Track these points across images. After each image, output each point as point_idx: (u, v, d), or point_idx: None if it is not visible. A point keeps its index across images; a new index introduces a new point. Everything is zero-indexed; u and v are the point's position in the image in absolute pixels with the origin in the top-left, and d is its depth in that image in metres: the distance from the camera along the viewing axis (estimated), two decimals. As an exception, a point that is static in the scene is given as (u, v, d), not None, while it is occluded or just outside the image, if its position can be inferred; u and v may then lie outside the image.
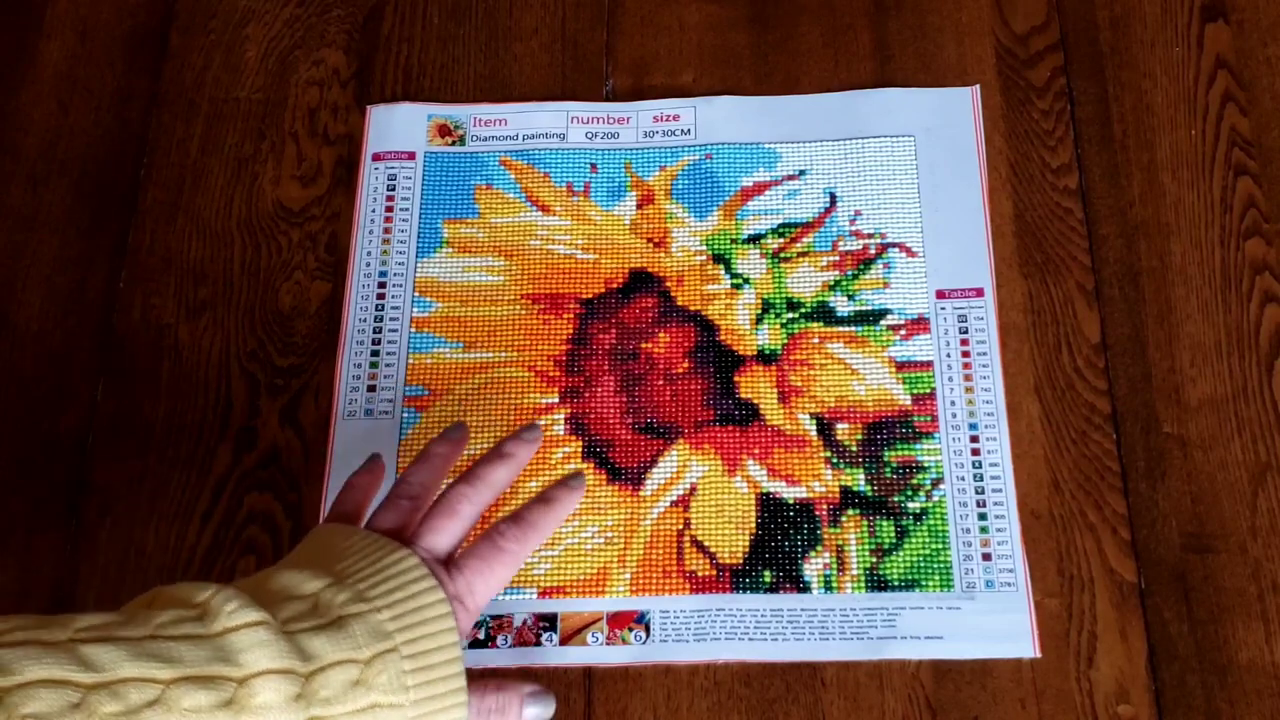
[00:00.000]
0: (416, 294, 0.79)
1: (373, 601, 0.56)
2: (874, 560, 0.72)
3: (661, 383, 0.76)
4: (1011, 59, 0.84)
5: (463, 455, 0.70)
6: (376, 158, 0.83)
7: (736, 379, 0.76)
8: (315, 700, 0.52)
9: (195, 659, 0.50)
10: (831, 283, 0.78)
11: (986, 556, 0.71)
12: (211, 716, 0.49)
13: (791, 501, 0.73)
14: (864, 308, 0.77)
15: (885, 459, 0.74)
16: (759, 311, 0.78)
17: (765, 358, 0.77)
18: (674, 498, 0.74)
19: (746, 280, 0.79)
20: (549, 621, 0.71)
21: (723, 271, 0.79)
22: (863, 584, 0.71)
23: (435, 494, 0.66)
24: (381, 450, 0.74)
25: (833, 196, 0.80)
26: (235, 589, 0.54)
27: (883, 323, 0.77)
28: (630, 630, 0.71)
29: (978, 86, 0.82)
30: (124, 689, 0.48)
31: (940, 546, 0.72)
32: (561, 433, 0.75)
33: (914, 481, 0.73)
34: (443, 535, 0.62)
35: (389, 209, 0.81)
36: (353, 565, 0.58)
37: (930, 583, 0.71)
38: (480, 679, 0.62)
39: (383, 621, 0.56)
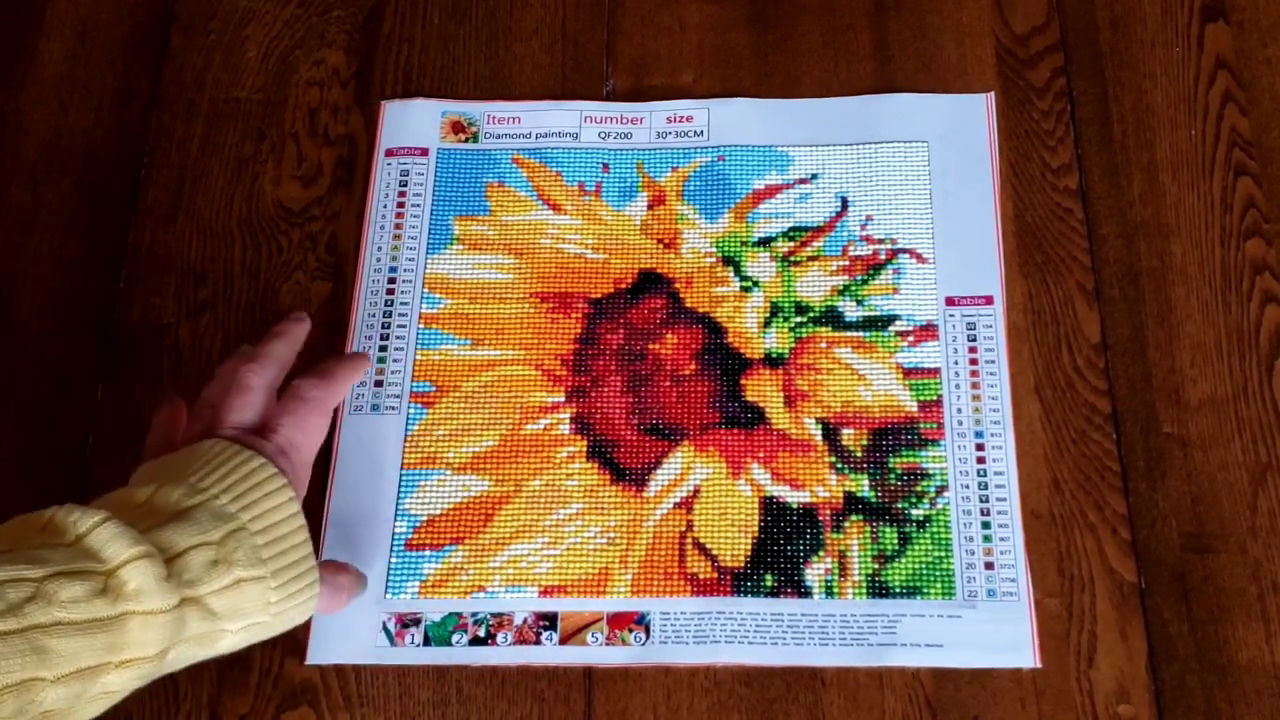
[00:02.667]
0: (426, 290, 0.79)
1: (207, 490, 0.58)
2: (876, 567, 0.72)
3: (668, 384, 0.76)
4: (1011, 59, 0.84)
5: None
6: (390, 153, 0.83)
7: (743, 382, 0.76)
8: (182, 582, 0.54)
9: (60, 559, 0.52)
10: (841, 287, 0.78)
11: (989, 565, 0.71)
12: (90, 605, 0.51)
13: (795, 506, 0.73)
14: (873, 313, 0.77)
15: (890, 465, 0.74)
16: (767, 315, 0.78)
17: (772, 361, 0.77)
18: (677, 499, 0.74)
19: (756, 283, 0.79)
20: (549, 621, 0.72)
21: (732, 274, 0.79)
22: (864, 590, 0.71)
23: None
24: (387, 445, 0.75)
25: (844, 201, 0.80)
26: (72, 505, 0.55)
27: (891, 329, 0.77)
28: (630, 631, 0.71)
29: (992, 94, 0.82)
30: (2, 589, 0.49)
31: (943, 554, 0.72)
32: (567, 432, 0.75)
33: (918, 488, 0.73)
34: (243, 410, 0.64)
35: (400, 204, 0.81)
36: (176, 468, 0.60)
37: (932, 590, 0.71)
38: (329, 562, 0.68)
39: (223, 505, 0.58)
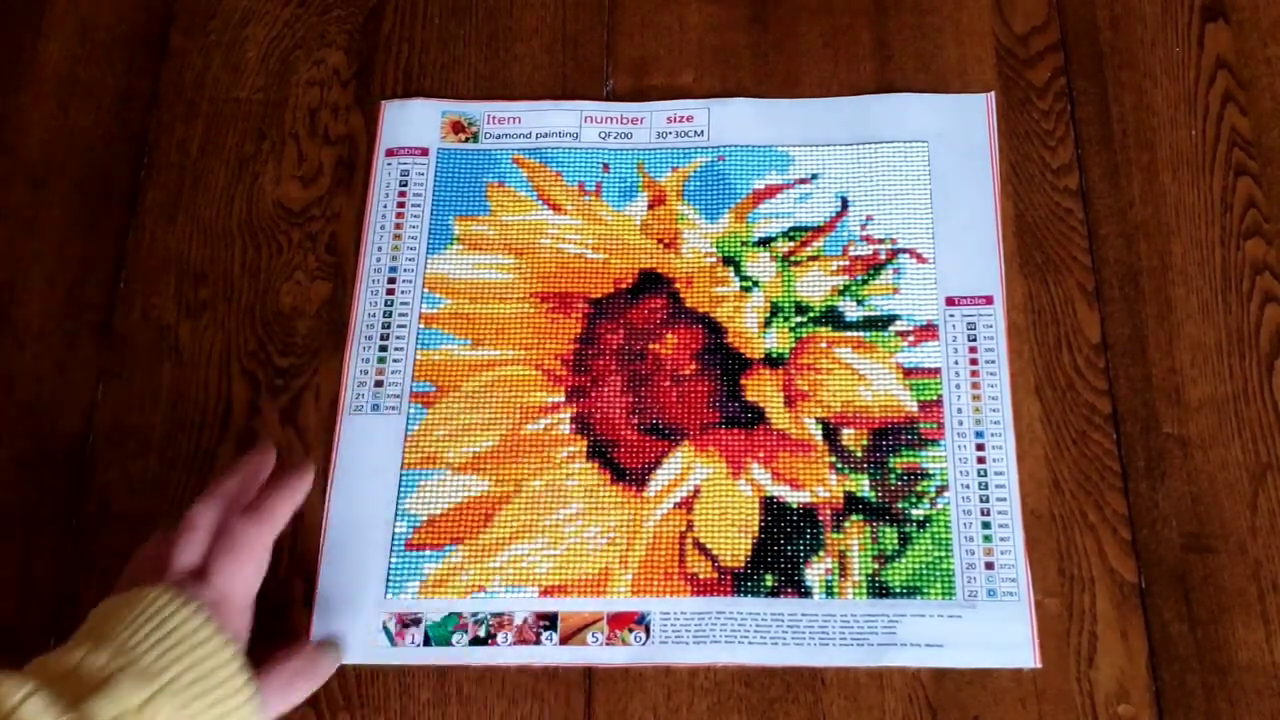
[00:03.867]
0: (426, 290, 0.79)
1: (134, 650, 0.58)
2: (876, 567, 0.72)
3: (668, 384, 0.76)
4: (1011, 59, 0.84)
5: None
6: (390, 153, 0.83)
7: (743, 382, 0.76)
8: None
9: None
10: (841, 287, 0.78)
11: (989, 565, 0.71)
12: None
13: (795, 506, 0.73)
14: (873, 313, 0.77)
15: (890, 465, 0.74)
16: (767, 315, 0.78)
17: (773, 361, 0.77)
18: (677, 499, 0.74)
19: (756, 283, 0.79)
20: (549, 621, 0.72)
21: (732, 274, 0.79)
22: (864, 590, 0.71)
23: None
24: (387, 445, 0.75)
25: (844, 201, 0.80)
26: (6, 672, 0.56)
27: (891, 328, 0.77)
28: (630, 631, 0.71)
29: (992, 94, 0.82)
30: None
31: (943, 554, 0.72)
32: (567, 432, 0.75)
33: (919, 488, 0.73)
34: (186, 551, 0.64)
35: (400, 204, 0.82)
36: (112, 621, 0.60)
37: (932, 590, 0.71)
38: (266, 665, 0.65)
39: (148, 665, 0.58)
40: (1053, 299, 0.77)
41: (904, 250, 0.79)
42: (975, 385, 0.75)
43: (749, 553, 0.72)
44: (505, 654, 0.71)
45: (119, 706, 0.56)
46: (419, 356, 0.78)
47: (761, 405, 0.75)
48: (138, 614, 0.60)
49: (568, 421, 0.76)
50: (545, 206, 0.81)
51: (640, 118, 0.83)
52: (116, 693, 0.56)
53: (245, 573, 0.64)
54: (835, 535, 0.72)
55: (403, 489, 0.75)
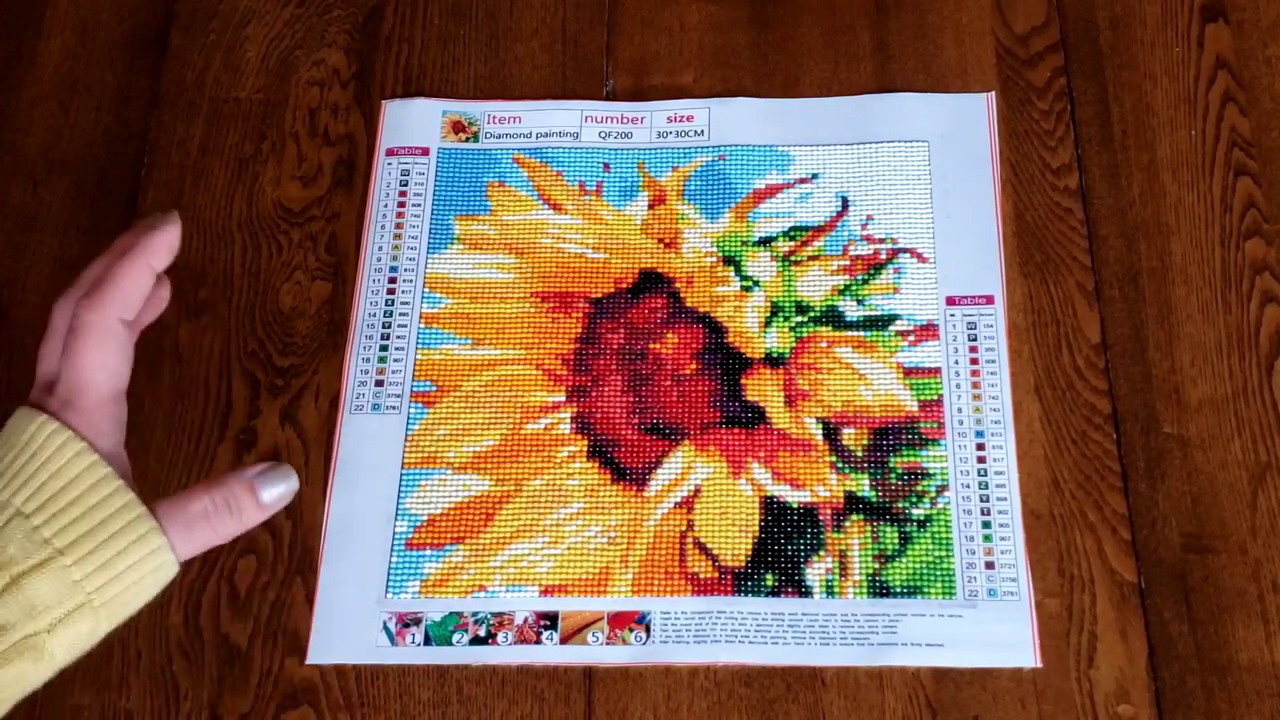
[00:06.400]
0: (426, 290, 0.79)
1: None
2: (876, 566, 0.72)
3: (669, 383, 0.76)
4: (1011, 59, 0.84)
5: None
6: (390, 153, 0.83)
7: (744, 381, 0.76)
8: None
9: None
10: (841, 287, 0.78)
11: (989, 565, 0.71)
12: None
13: (795, 505, 0.73)
14: (873, 313, 0.77)
15: (891, 465, 0.74)
16: (768, 314, 0.78)
17: (773, 361, 0.77)
18: (678, 499, 0.74)
19: (756, 283, 0.79)
20: (550, 620, 0.72)
21: (733, 273, 0.79)
22: (865, 590, 0.71)
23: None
24: (388, 445, 0.75)
25: (845, 200, 0.80)
26: None
27: (892, 328, 0.77)
28: (631, 631, 0.71)
29: (992, 94, 0.82)
30: None
31: (943, 554, 0.72)
32: (567, 431, 0.75)
33: (919, 488, 0.73)
34: (44, 361, 0.54)
35: (401, 204, 0.82)
36: None
37: (932, 590, 0.71)
38: (184, 494, 0.53)
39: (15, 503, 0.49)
40: (1053, 299, 0.77)
41: (904, 250, 0.79)
42: (975, 385, 0.75)
43: (749, 552, 0.72)
44: (505, 654, 0.71)
45: None
46: (419, 356, 0.78)
47: (762, 405, 0.75)
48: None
49: (568, 421, 0.76)
50: (546, 206, 0.81)
51: (640, 117, 0.84)
52: None
53: (95, 359, 0.53)
54: (835, 535, 0.72)
55: (403, 488, 0.75)
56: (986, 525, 0.72)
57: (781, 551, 0.72)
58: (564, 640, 0.71)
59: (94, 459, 0.50)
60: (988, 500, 0.73)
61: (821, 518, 0.73)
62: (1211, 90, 0.82)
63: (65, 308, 0.54)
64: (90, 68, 0.86)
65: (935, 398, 0.75)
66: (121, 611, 0.50)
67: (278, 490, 0.55)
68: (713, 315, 0.78)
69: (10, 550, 0.48)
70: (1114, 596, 0.71)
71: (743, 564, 0.72)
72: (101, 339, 0.53)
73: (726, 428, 0.75)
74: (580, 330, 0.78)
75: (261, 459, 0.75)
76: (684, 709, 0.70)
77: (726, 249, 0.80)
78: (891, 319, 0.77)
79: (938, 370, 0.76)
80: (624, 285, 0.79)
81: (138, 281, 0.55)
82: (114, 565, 0.49)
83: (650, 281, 0.79)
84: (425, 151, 0.83)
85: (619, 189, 0.82)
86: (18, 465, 0.50)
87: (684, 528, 0.73)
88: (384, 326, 0.79)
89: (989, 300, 0.77)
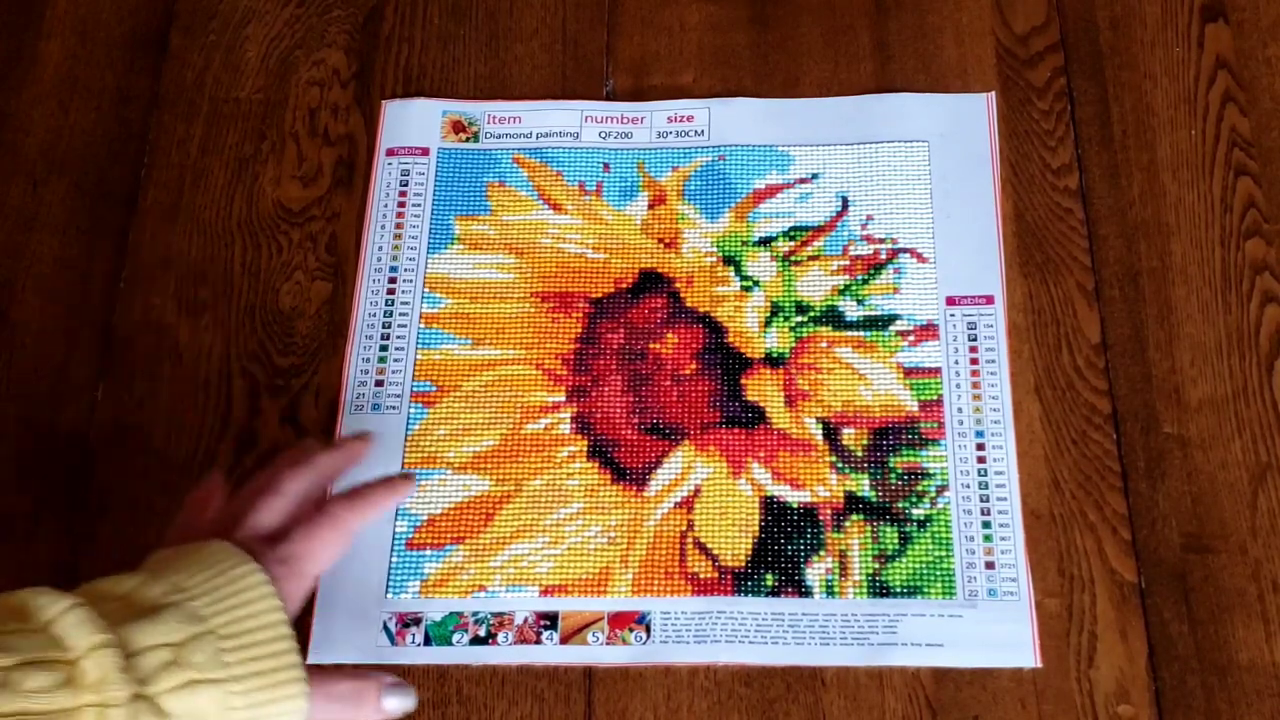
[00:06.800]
0: (426, 290, 0.79)
1: (187, 591, 0.58)
2: (876, 566, 0.72)
3: (668, 383, 0.76)
4: (1011, 59, 0.84)
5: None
6: (390, 153, 0.83)
7: (744, 381, 0.76)
8: (136, 678, 0.54)
9: (27, 646, 0.52)
10: (841, 287, 0.78)
11: (990, 565, 0.71)
12: (53, 696, 0.51)
13: (795, 505, 0.73)
14: (873, 313, 0.77)
15: (891, 465, 0.74)
16: (768, 314, 0.78)
17: (773, 361, 0.77)
18: (678, 499, 0.74)
19: (756, 283, 0.79)
20: (550, 620, 0.72)
21: (733, 273, 0.79)
22: (865, 590, 0.71)
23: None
24: (388, 445, 0.75)
25: (845, 200, 0.80)
26: (48, 589, 0.55)
27: (892, 328, 0.77)
28: (631, 631, 0.71)
29: (993, 94, 0.82)
30: None
31: (944, 554, 0.72)
32: (567, 431, 0.75)
33: (919, 488, 0.73)
34: (266, 513, 0.64)
35: (401, 204, 0.82)
36: (171, 561, 0.60)
37: (932, 590, 0.71)
38: (335, 669, 0.66)
39: (198, 607, 0.57)
40: (1053, 299, 0.77)
41: (904, 250, 0.79)
42: (975, 385, 0.75)
43: (749, 552, 0.72)
44: (505, 654, 0.71)
45: (159, 638, 0.55)
46: (419, 356, 0.78)
47: (762, 405, 0.75)
48: (198, 561, 0.59)
49: (568, 421, 0.76)
50: (546, 206, 0.81)
51: (640, 117, 0.84)
52: (160, 624, 0.56)
53: (326, 550, 0.64)
54: (835, 535, 0.72)
55: (403, 489, 0.75)
56: (986, 525, 0.72)
57: (781, 551, 0.72)
58: (564, 640, 0.71)
59: (283, 621, 0.59)
60: (988, 500, 0.73)
61: (821, 518, 0.73)
62: (1211, 90, 0.82)
63: (299, 480, 0.66)
64: (90, 68, 0.86)
65: (935, 398, 0.75)
66: None
67: (400, 703, 0.65)
68: (713, 315, 0.78)
69: (196, 659, 0.55)
70: (1114, 596, 0.71)
71: (743, 564, 0.72)
72: (344, 538, 0.65)
73: (726, 428, 0.75)
74: (580, 330, 0.78)
75: (261, 459, 0.75)
76: (684, 709, 0.70)
77: (726, 249, 0.80)
78: (891, 319, 0.77)
79: (938, 370, 0.76)
80: (624, 285, 0.79)
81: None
82: (260, 709, 0.57)
83: (650, 281, 0.79)
84: (425, 151, 0.83)
85: (619, 189, 0.82)
86: (222, 593, 0.58)
87: (684, 528, 0.73)
88: (384, 326, 0.79)
89: (989, 300, 0.77)
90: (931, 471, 0.73)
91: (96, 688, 0.52)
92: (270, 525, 0.64)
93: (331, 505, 0.66)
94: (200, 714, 0.55)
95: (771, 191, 0.81)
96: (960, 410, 0.75)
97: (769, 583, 0.72)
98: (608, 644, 0.71)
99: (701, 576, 0.72)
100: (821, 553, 0.72)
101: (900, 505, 0.73)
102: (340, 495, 0.67)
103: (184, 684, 0.55)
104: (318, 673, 0.61)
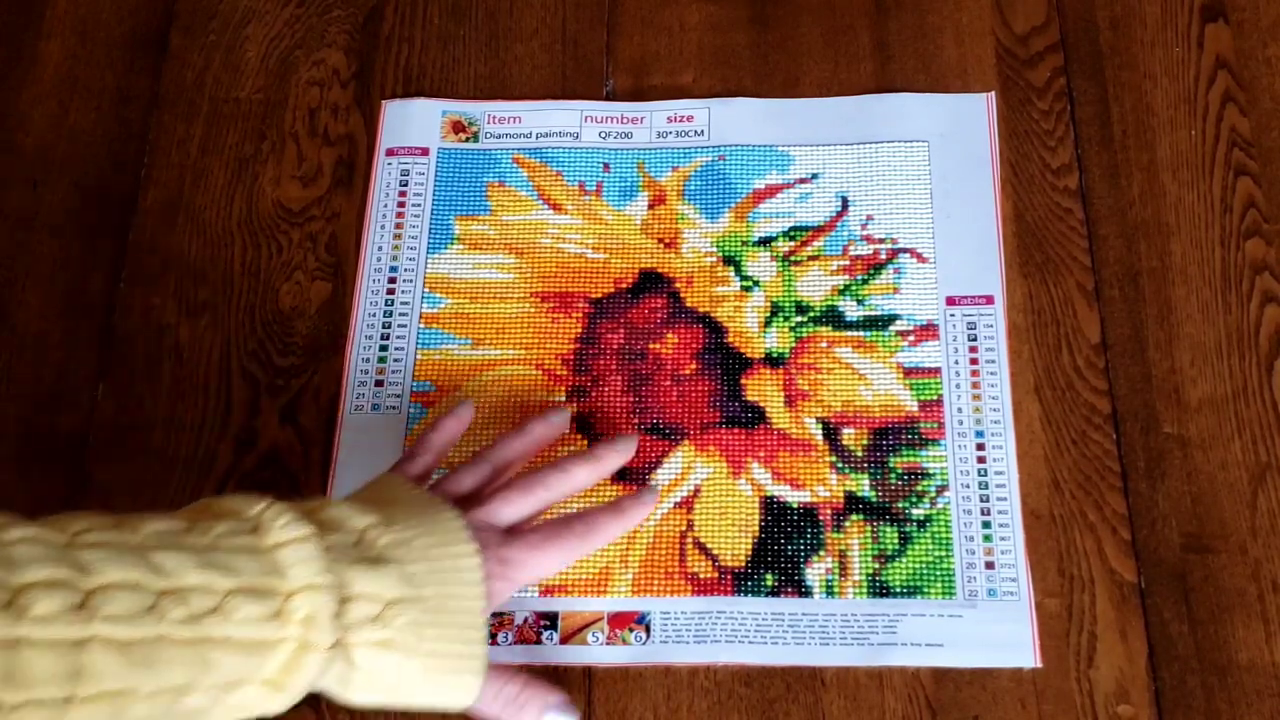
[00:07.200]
0: (426, 290, 0.79)
1: (411, 550, 0.59)
2: (876, 566, 0.72)
3: (668, 383, 0.76)
4: (1011, 59, 0.84)
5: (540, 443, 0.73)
6: (390, 153, 0.83)
7: (744, 381, 0.76)
8: (341, 624, 0.55)
9: (250, 570, 0.53)
10: (841, 287, 0.78)
11: (989, 565, 0.71)
12: (260, 627, 0.53)
13: (795, 505, 0.73)
14: (873, 313, 0.77)
15: (891, 465, 0.74)
16: (768, 314, 0.78)
17: (773, 361, 0.77)
18: (678, 499, 0.74)
19: (756, 283, 0.79)
20: (550, 620, 0.72)
21: (733, 273, 0.79)
22: (865, 590, 0.71)
23: (516, 469, 0.70)
24: (387, 446, 0.75)
25: (844, 200, 0.80)
26: (286, 505, 0.57)
27: (892, 328, 0.77)
28: (631, 631, 0.71)
29: (992, 94, 0.82)
30: (190, 596, 0.52)
31: (943, 554, 0.72)
32: (567, 432, 0.75)
33: (919, 488, 0.73)
34: (510, 507, 0.66)
35: (400, 204, 0.82)
36: (403, 513, 0.61)
37: (932, 590, 0.71)
38: (513, 669, 0.65)
39: (415, 573, 0.58)
40: (1053, 299, 0.77)
41: (904, 250, 0.79)
42: (975, 385, 0.75)
43: (749, 552, 0.72)
44: (505, 654, 0.71)
45: (374, 590, 0.57)
46: (419, 356, 0.78)
47: (762, 405, 0.75)
48: (431, 527, 0.61)
49: (568, 421, 0.76)
50: (546, 206, 0.81)
51: (640, 117, 0.84)
52: (378, 577, 0.57)
53: (543, 561, 0.66)
54: (835, 535, 0.72)
55: (403, 489, 0.75)
56: (986, 525, 0.72)
57: (781, 551, 0.72)
58: (564, 640, 0.71)
59: (482, 612, 0.60)
60: (988, 500, 0.73)
61: (821, 518, 0.73)
62: (1211, 90, 0.82)
63: (559, 485, 0.68)
64: (90, 68, 0.86)
65: (935, 398, 0.75)
66: (393, 706, 0.60)
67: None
68: (713, 315, 0.78)
69: (398, 622, 0.57)
70: (1114, 596, 0.70)
71: (743, 564, 0.72)
72: (565, 551, 0.67)
73: (726, 428, 0.75)
74: (580, 330, 0.78)
75: (261, 459, 0.75)
76: (684, 709, 0.70)
77: (726, 249, 0.80)
78: (891, 319, 0.77)
79: (938, 370, 0.76)
80: (624, 285, 0.79)
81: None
82: (436, 686, 0.59)
83: (650, 281, 0.79)
84: (425, 151, 0.83)
85: (619, 189, 0.82)
86: (439, 567, 0.60)
87: (684, 528, 0.73)
88: (384, 326, 0.79)
89: (989, 300, 0.77)
90: (931, 471, 0.73)
91: (304, 625, 0.54)
92: (508, 520, 0.66)
93: (569, 526, 0.67)
94: (380, 674, 0.57)
95: (771, 191, 0.81)
96: (960, 410, 0.75)
97: (769, 583, 0.72)
98: (607, 644, 0.71)
99: (701, 576, 0.72)
100: (821, 553, 0.72)
101: (900, 505, 0.73)
102: (579, 518, 0.68)
103: (380, 642, 0.57)
104: (495, 669, 0.62)
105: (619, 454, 0.72)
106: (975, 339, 0.76)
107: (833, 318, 0.77)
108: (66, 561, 0.50)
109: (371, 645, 0.57)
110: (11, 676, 0.47)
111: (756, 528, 0.73)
